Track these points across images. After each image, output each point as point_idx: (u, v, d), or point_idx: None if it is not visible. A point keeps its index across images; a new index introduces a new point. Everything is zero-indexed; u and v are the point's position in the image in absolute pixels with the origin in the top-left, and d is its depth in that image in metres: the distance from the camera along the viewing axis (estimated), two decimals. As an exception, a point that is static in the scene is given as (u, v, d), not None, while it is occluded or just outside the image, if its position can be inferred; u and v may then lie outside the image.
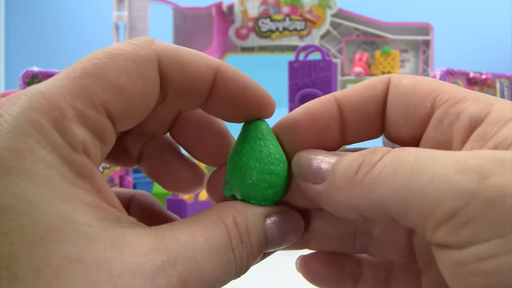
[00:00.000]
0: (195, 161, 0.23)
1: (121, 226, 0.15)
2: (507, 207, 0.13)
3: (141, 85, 0.17)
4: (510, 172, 0.14)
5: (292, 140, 0.20)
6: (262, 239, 0.18)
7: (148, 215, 0.22)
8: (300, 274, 0.23)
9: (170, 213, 0.23)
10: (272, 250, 0.19)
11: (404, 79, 0.19)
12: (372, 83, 0.20)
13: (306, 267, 0.23)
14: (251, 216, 0.18)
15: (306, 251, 0.23)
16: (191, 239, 0.16)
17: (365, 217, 0.17)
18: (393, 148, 0.17)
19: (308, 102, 0.20)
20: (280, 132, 0.20)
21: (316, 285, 0.23)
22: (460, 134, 0.17)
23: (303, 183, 0.19)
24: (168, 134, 0.23)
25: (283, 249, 0.21)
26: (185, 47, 0.18)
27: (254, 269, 0.20)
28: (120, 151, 0.22)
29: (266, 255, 0.20)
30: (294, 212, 0.20)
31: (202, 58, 0.18)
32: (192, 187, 0.23)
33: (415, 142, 0.19)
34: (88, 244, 0.14)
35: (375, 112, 0.20)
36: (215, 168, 0.22)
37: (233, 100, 0.19)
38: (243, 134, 0.20)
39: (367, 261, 0.23)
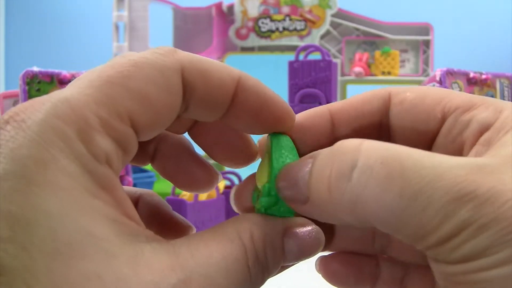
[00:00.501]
0: (211, 161, 0.23)
1: (138, 241, 0.15)
2: (498, 230, 0.14)
3: (165, 95, 0.17)
4: (504, 197, 0.14)
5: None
6: (279, 254, 0.18)
7: (155, 215, 0.22)
8: (319, 275, 0.23)
9: (176, 214, 0.23)
10: (291, 264, 0.19)
11: (407, 93, 0.19)
12: (369, 98, 0.20)
13: (325, 267, 0.23)
14: (270, 231, 0.18)
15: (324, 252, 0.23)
16: (207, 256, 0.16)
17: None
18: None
19: (302, 113, 0.20)
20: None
21: (335, 285, 0.23)
22: (470, 141, 0.17)
23: (292, 206, 0.18)
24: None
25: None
26: (207, 58, 0.18)
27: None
28: None
29: (284, 268, 0.19)
30: (315, 226, 0.19)
31: (225, 68, 0.18)
32: (206, 186, 0.22)
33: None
34: (107, 261, 0.14)
35: (371, 128, 0.20)
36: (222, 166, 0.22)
37: (253, 112, 0.19)
38: (268, 147, 0.20)
39: (385, 262, 0.23)
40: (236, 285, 0.16)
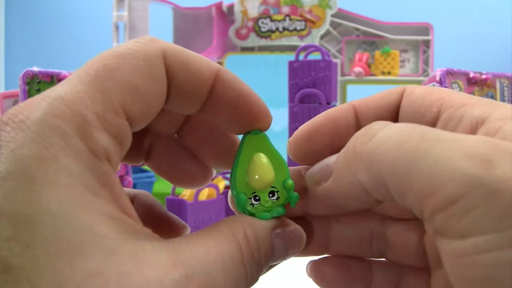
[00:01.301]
0: None
1: (139, 239, 0.15)
2: (509, 201, 0.13)
3: (152, 83, 0.17)
4: None
5: (311, 144, 0.21)
6: (269, 252, 0.19)
7: (150, 215, 0.22)
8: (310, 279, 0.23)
9: (171, 214, 0.23)
10: (276, 262, 0.19)
11: (417, 88, 0.20)
12: (389, 93, 0.21)
13: (316, 271, 0.23)
14: (260, 230, 0.19)
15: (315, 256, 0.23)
16: (206, 254, 0.16)
17: (372, 201, 0.17)
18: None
19: (328, 109, 0.21)
20: (302, 138, 0.21)
21: None
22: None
23: (317, 188, 0.20)
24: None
25: (303, 255, 0.22)
26: (186, 49, 0.18)
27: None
28: (129, 149, 0.22)
29: (270, 267, 0.20)
30: (297, 226, 0.20)
31: (204, 60, 0.19)
32: (200, 182, 0.23)
33: None
34: (109, 258, 0.14)
35: (390, 119, 0.20)
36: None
37: (230, 105, 0.19)
38: (239, 147, 0.20)
39: (378, 266, 0.23)
40: (233, 282, 0.16)
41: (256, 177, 0.20)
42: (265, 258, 0.18)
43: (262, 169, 0.20)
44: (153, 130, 0.22)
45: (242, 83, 0.20)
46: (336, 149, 0.20)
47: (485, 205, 0.13)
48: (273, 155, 0.20)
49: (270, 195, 0.20)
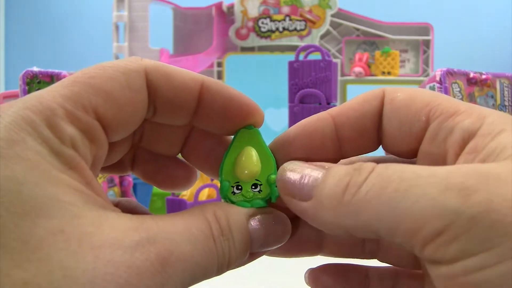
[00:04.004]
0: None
1: (104, 209, 0.16)
2: (491, 221, 0.14)
3: (129, 92, 0.18)
4: (492, 187, 0.14)
5: (286, 157, 0.21)
6: (245, 236, 0.19)
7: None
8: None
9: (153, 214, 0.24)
10: (259, 250, 0.20)
11: (398, 93, 0.20)
12: (367, 99, 0.20)
13: (314, 279, 0.23)
14: (233, 214, 0.19)
15: (314, 264, 0.24)
16: (171, 225, 0.17)
17: (353, 235, 0.17)
18: (378, 163, 0.17)
19: (304, 119, 0.21)
20: (275, 149, 0.21)
21: None
22: (454, 149, 0.18)
23: (288, 199, 0.19)
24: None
25: (296, 255, 0.22)
26: (172, 65, 0.20)
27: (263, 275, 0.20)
28: (116, 162, 0.23)
29: (253, 257, 0.20)
30: (280, 213, 0.20)
31: (187, 72, 0.20)
32: (186, 184, 0.24)
33: (413, 154, 0.20)
34: (72, 220, 0.15)
35: (371, 127, 0.20)
36: None
37: (220, 111, 0.20)
38: (232, 139, 0.21)
39: (374, 273, 0.23)
40: (202, 254, 0.17)
41: (242, 168, 0.21)
42: (239, 241, 0.18)
43: (249, 161, 0.21)
44: (157, 153, 0.23)
45: (228, 87, 0.20)
46: (312, 160, 0.20)
47: (468, 231, 0.14)
48: (262, 150, 0.21)
49: (253, 187, 0.21)
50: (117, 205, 0.23)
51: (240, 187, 0.21)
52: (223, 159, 0.21)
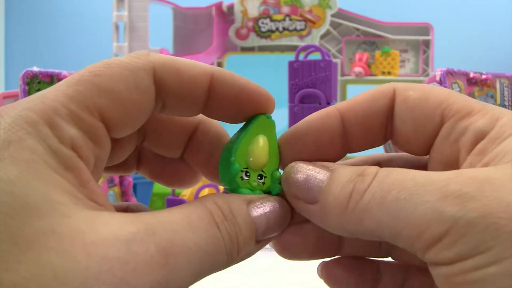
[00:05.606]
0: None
1: (97, 210, 0.16)
2: (486, 225, 0.14)
3: (136, 93, 0.18)
4: (488, 192, 0.15)
5: (295, 153, 0.21)
6: (249, 222, 0.19)
7: None
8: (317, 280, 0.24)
9: None
10: (264, 237, 0.19)
11: (411, 91, 0.20)
12: (376, 95, 0.20)
13: (327, 273, 0.23)
14: (234, 201, 0.19)
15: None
16: (169, 216, 0.16)
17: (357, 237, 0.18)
18: (388, 166, 0.18)
19: (313, 114, 0.21)
20: (284, 144, 0.21)
21: None
22: (466, 148, 0.18)
23: (294, 201, 0.20)
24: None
25: (316, 258, 0.22)
26: (181, 58, 0.19)
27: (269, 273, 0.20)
28: (121, 162, 0.22)
29: (263, 244, 0.20)
30: (276, 197, 0.20)
31: (196, 64, 0.19)
32: (193, 181, 0.24)
33: (425, 152, 0.20)
34: (63, 219, 0.14)
35: (378, 124, 0.20)
36: None
37: (232, 101, 0.20)
38: (250, 122, 0.21)
39: (386, 267, 0.23)
40: (207, 241, 0.16)
41: (257, 155, 0.20)
42: (245, 226, 0.18)
43: (263, 150, 0.21)
44: (159, 155, 0.23)
45: (239, 77, 0.20)
46: (320, 157, 0.20)
47: (465, 236, 0.15)
48: (273, 143, 0.21)
49: (259, 177, 0.21)
50: (126, 209, 0.23)
51: (248, 174, 0.21)
52: (236, 140, 0.21)
